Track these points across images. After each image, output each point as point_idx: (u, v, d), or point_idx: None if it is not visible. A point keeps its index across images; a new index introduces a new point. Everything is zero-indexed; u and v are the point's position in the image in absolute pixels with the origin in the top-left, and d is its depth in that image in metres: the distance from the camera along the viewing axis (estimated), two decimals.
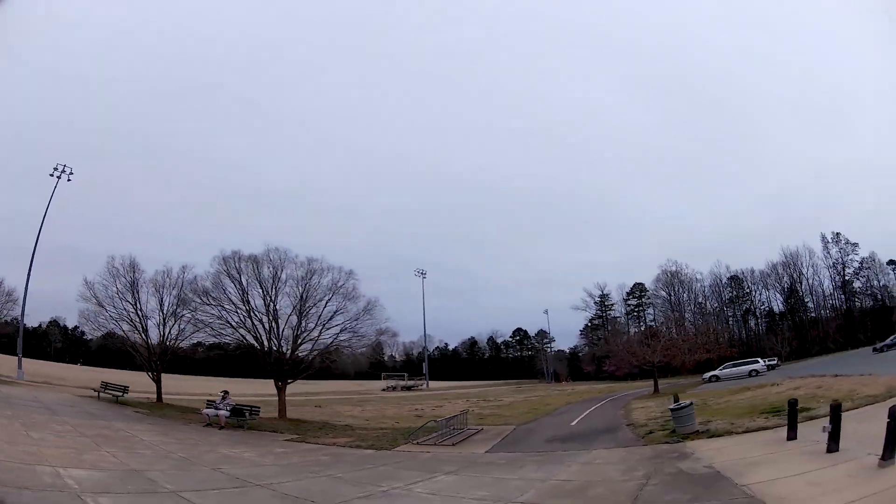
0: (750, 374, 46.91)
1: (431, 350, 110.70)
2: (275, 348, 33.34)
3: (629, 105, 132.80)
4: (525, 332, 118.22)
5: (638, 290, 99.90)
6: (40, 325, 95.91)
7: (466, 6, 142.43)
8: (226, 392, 28.17)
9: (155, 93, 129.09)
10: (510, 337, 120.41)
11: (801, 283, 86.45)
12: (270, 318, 33.11)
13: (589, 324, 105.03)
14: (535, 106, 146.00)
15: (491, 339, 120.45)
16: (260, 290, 33.49)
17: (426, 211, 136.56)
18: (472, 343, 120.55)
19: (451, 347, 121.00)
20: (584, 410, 34.98)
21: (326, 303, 34.12)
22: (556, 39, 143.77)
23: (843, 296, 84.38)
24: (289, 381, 33.48)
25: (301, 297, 33.82)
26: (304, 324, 33.82)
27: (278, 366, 33.22)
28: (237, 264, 33.60)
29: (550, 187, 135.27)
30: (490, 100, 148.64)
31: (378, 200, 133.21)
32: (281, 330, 33.35)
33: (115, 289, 36.27)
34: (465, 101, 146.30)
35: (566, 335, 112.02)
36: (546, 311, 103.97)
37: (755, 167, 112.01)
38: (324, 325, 34.11)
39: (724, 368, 50.54)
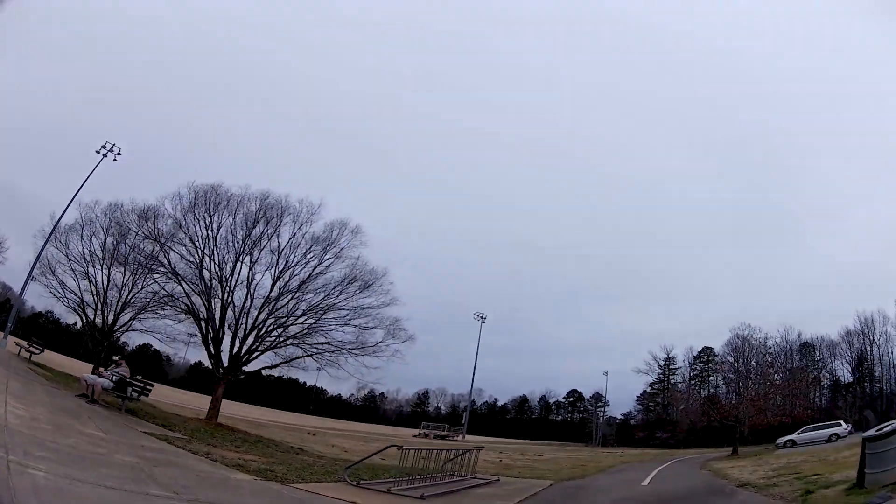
0: (830, 438, 39.36)
1: (479, 404, 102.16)
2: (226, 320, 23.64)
3: (701, 172, 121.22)
4: (580, 393, 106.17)
5: (706, 354, 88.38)
6: None
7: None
8: (120, 358, 19.60)
9: None
10: (563, 398, 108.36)
11: (871, 351, 75.04)
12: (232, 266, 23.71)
13: (648, 388, 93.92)
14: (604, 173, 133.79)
15: (543, 399, 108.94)
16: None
17: (486, 266, 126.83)
18: (523, 401, 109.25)
19: (499, 403, 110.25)
20: (651, 469, 25.15)
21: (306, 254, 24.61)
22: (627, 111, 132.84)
23: None
24: (235, 372, 23.54)
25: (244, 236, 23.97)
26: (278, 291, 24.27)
27: (216, 343, 23.69)
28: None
29: (622, 255, 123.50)
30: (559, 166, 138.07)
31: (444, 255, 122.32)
32: (230, 289, 23.70)
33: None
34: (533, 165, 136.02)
35: (623, 401, 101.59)
36: (606, 373, 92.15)
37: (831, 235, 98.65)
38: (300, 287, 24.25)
39: (801, 433, 43.05)
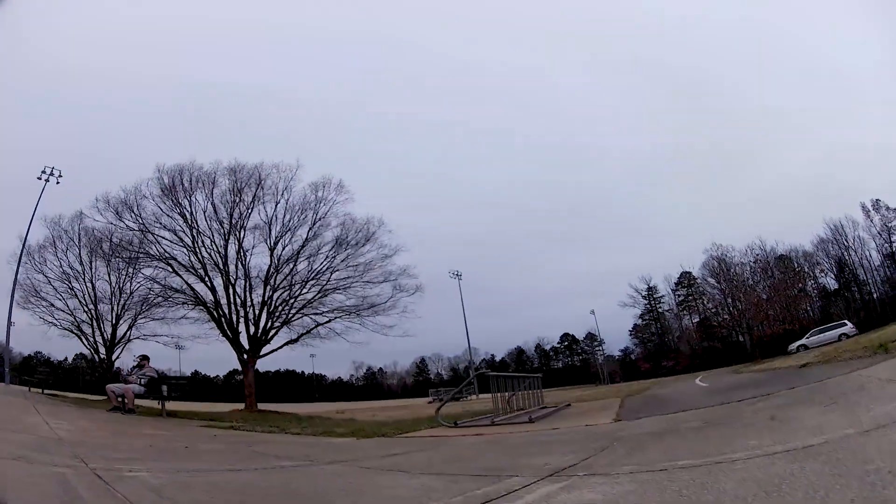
0: (840, 338, 38.33)
1: (478, 362, 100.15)
2: (236, 301, 22.26)
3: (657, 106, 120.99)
4: (573, 336, 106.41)
5: (685, 278, 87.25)
6: None
7: None
8: (143, 357, 17.28)
9: None
10: (558, 343, 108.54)
11: (849, 256, 74.65)
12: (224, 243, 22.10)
13: (640, 321, 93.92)
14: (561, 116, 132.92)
15: (538, 347, 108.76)
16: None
17: (459, 233, 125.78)
18: (520, 353, 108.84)
19: (497, 359, 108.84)
20: (690, 380, 25.44)
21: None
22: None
23: (894, 264, 72.33)
24: (258, 353, 22.11)
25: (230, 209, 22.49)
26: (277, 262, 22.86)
27: (233, 329, 22.12)
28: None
29: (592, 199, 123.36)
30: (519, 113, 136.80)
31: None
32: (244, 267, 22.24)
33: None
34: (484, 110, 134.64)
35: (616, 337, 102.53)
36: (592, 312, 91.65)
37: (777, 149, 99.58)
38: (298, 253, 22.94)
39: (810, 336, 42.94)
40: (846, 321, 45.16)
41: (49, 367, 74.62)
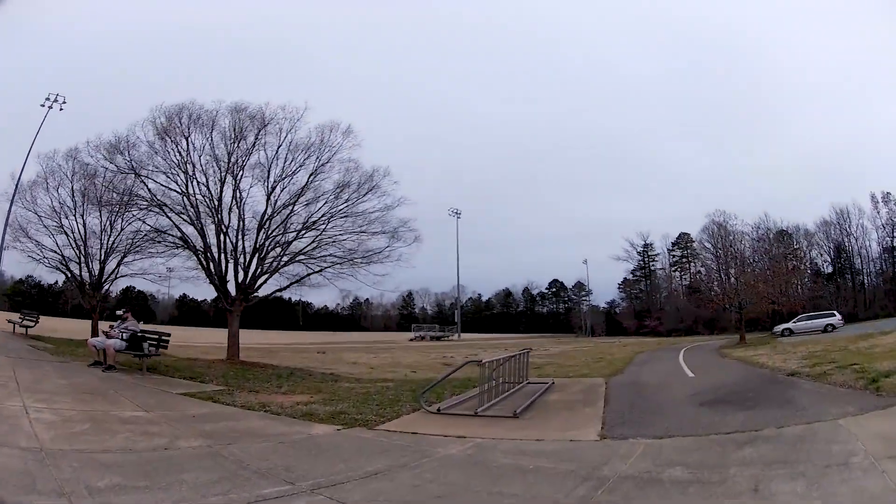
0: (826, 328, 40.25)
1: (464, 301, 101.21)
2: (226, 247, 21.80)
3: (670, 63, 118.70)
4: (562, 283, 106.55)
5: (683, 240, 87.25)
6: None
7: None
8: (126, 310, 16.87)
9: None
10: (546, 288, 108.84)
11: (849, 244, 75.62)
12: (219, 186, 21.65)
13: (630, 276, 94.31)
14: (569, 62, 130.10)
15: (526, 291, 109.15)
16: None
17: (456, 157, 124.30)
18: (507, 295, 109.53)
19: (484, 299, 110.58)
20: (676, 359, 24.83)
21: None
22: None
23: (892, 259, 73.41)
24: (246, 301, 21.91)
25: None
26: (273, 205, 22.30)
27: (220, 276, 21.67)
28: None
29: (593, 137, 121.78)
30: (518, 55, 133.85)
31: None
32: (222, 212, 21.76)
33: None
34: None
35: (604, 289, 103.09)
36: (585, 262, 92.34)
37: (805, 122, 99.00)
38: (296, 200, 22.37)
39: (797, 322, 43.06)
40: (835, 312, 45.55)
41: (38, 291, 75.83)
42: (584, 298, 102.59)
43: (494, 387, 12.79)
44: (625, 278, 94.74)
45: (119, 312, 16.88)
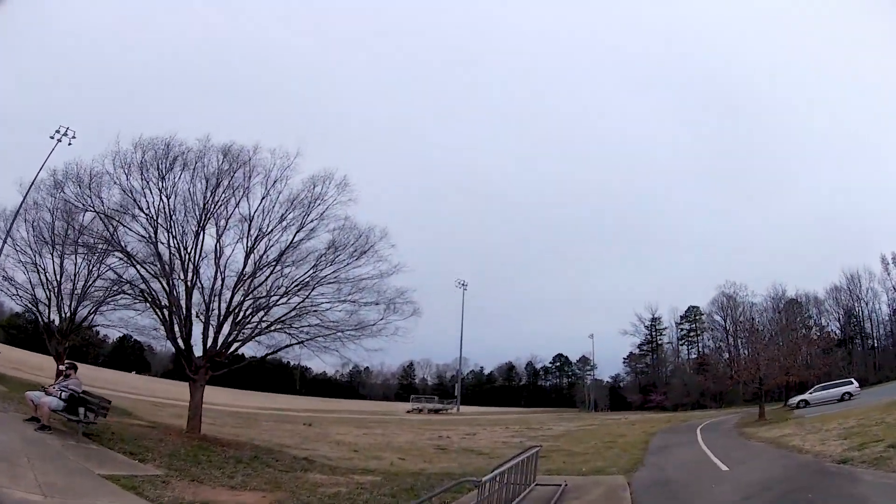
0: (843, 397, 38.86)
1: (466, 374, 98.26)
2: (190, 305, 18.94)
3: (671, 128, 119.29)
4: (566, 357, 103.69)
5: (692, 313, 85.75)
6: None
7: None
8: (71, 365, 14.91)
9: None
10: (550, 363, 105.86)
11: (859, 308, 73.98)
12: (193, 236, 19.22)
13: (637, 350, 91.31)
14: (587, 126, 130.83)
15: (529, 365, 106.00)
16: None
17: (465, 228, 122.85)
18: (510, 368, 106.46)
19: (486, 372, 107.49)
20: (695, 444, 22.26)
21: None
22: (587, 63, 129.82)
23: None
24: (213, 369, 18.97)
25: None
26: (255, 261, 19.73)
27: (185, 339, 18.83)
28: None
29: (601, 206, 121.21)
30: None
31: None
32: (194, 266, 19.10)
33: None
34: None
35: (609, 363, 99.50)
36: (591, 336, 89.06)
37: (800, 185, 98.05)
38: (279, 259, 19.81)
39: (813, 392, 41.51)
40: (851, 380, 43.48)
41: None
42: (588, 373, 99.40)
43: (497, 490, 10.15)
44: (631, 353, 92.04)
45: (62, 367, 14.89)
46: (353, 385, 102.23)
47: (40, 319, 24.93)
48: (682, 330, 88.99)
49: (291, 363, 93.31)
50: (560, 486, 12.78)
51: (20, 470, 9.08)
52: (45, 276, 24.72)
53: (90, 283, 23.94)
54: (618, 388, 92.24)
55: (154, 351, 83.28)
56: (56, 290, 24.47)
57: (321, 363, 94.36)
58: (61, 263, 24.56)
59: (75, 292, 24.21)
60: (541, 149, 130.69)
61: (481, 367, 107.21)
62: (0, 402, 15.95)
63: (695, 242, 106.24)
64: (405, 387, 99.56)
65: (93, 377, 20.38)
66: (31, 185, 26.13)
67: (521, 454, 12.49)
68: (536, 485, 12.41)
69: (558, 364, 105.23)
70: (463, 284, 76.97)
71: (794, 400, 42.10)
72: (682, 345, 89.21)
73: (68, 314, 24.39)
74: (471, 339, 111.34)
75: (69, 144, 39.69)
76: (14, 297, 25.50)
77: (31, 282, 25.16)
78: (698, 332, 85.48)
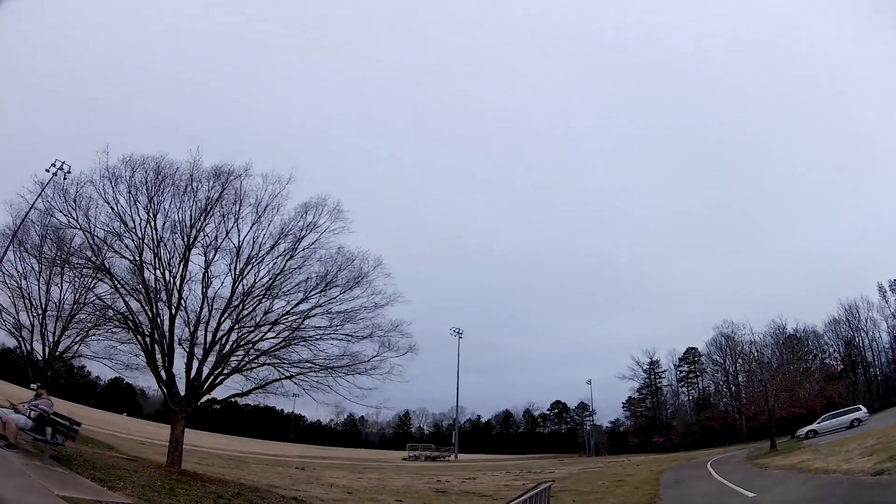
0: (852, 423, 37.83)
1: (463, 422, 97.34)
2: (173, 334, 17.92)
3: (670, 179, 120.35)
4: (564, 404, 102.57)
5: (690, 355, 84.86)
6: None
7: None
8: (40, 386, 14.85)
9: None
10: (548, 409, 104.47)
11: (859, 338, 73.39)
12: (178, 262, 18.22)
13: (636, 394, 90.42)
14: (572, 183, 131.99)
15: (527, 412, 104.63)
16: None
17: (458, 285, 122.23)
18: (507, 416, 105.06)
19: (483, 420, 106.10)
20: (710, 476, 21.10)
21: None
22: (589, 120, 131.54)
23: None
24: (196, 401, 17.86)
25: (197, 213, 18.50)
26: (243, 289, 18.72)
27: (167, 368, 17.75)
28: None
29: (600, 263, 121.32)
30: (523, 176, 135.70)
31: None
32: (178, 293, 18.03)
33: None
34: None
35: (608, 408, 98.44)
36: (589, 382, 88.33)
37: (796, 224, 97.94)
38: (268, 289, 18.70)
39: (822, 421, 40.46)
40: (860, 406, 42.96)
41: None
42: (587, 419, 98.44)
43: None
44: (630, 397, 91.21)
45: (33, 387, 13.97)
46: (348, 434, 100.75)
47: (23, 346, 24.10)
48: (681, 372, 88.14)
49: (285, 411, 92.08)
50: None
51: None
52: (31, 300, 24.18)
53: (76, 310, 23.28)
54: (618, 432, 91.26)
55: (146, 395, 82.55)
56: (41, 316, 23.67)
57: (316, 412, 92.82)
58: (47, 290, 24.20)
59: (60, 319, 23.38)
60: (529, 206, 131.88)
61: (478, 416, 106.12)
62: None
63: (692, 288, 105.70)
64: (401, 435, 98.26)
65: (83, 416, 18.89)
66: (23, 219, 25.30)
67: (534, 488, 11.32)
68: None
69: (556, 410, 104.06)
70: (458, 332, 77.27)
71: (803, 431, 41.03)
72: (681, 386, 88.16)
73: (52, 341, 23.51)
74: (467, 388, 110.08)
75: (64, 179, 39.26)
76: None
77: (14, 306, 24.54)
78: (697, 373, 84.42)
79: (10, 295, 24.46)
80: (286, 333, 18.92)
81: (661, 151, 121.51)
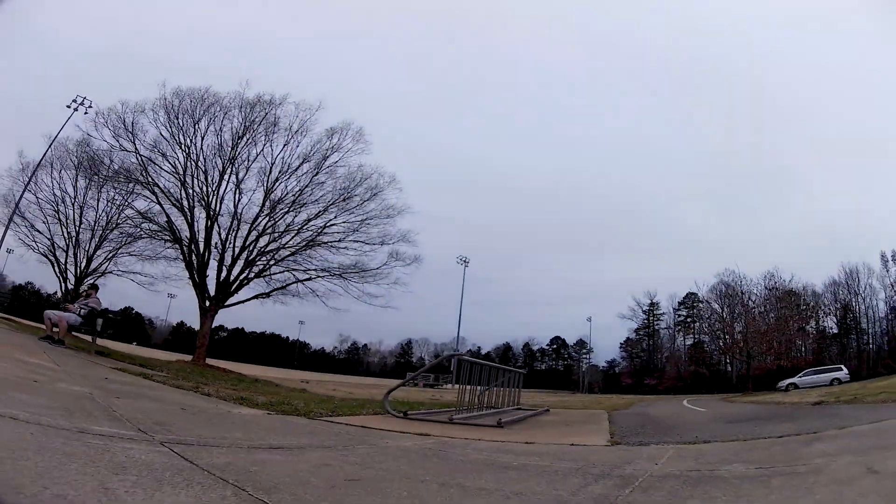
0: (832, 382, 38.36)
1: (463, 353, 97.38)
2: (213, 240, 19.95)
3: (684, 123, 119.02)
4: (563, 340, 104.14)
5: (690, 299, 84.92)
6: None
7: None
8: (92, 287, 15.99)
9: None
10: (547, 345, 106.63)
11: (856, 304, 73.49)
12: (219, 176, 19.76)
13: (634, 335, 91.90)
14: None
15: (526, 346, 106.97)
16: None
17: (466, 212, 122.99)
18: (507, 348, 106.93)
19: (483, 351, 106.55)
20: (680, 404, 22.58)
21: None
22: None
23: None
24: (223, 302, 19.67)
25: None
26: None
27: (201, 269, 19.65)
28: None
29: (603, 198, 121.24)
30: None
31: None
32: (217, 203, 19.95)
33: None
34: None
35: (606, 348, 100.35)
36: (589, 319, 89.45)
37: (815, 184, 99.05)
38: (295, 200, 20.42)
39: (803, 376, 41.99)
40: (842, 366, 43.79)
41: (36, 300, 73.69)
42: (584, 357, 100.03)
43: (480, 406, 10.54)
44: (627, 338, 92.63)
45: (84, 288, 15.35)
46: (350, 361, 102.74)
47: (56, 267, 25.28)
48: (679, 315, 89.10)
49: (290, 338, 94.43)
50: (543, 409, 13.27)
51: (32, 352, 9.67)
52: (67, 225, 25.59)
53: (110, 229, 24.68)
54: (613, 373, 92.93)
55: (154, 325, 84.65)
56: (75, 238, 24.98)
57: (320, 340, 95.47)
58: (81, 214, 25.39)
59: (94, 237, 24.78)
60: (542, 140, 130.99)
61: (479, 347, 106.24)
62: (14, 330, 16.65)
63: (697, 240, 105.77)
64: (402, 364, 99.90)
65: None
66: (53, 139, 26.61)
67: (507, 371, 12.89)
68: (518, 408, 12.68)
69: (555, 346, 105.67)
70: (464, 261, 77.47)
71: (784, 383, 42.08)
72: (678, 331, 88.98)
73: (85, 262, 24.88)
74: (470, 320, 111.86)
75: (85, 113, 40.25)
76: (32, 245, 25.93)
77: (50, 231, 25.96)
78: (695, 318, 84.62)
79: (45, 220, 25.78)
80: (310, 235, 20.79)
81: (676, 96, 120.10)
